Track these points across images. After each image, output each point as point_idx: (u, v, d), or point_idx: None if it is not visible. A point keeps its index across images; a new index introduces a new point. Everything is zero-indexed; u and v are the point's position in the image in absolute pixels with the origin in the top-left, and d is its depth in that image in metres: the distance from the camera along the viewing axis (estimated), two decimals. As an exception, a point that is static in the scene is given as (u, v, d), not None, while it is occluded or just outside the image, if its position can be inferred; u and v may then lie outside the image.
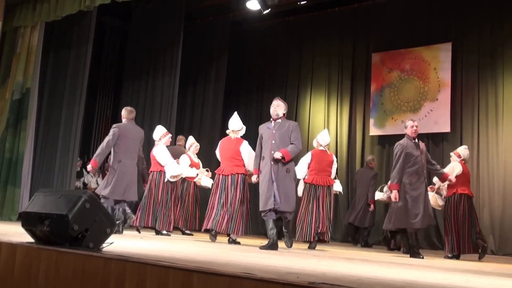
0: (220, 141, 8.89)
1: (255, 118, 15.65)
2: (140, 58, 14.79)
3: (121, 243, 5.39)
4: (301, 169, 9.29)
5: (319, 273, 3.67)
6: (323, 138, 9.49)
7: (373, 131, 13.80)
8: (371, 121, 13.81)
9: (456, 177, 8.90)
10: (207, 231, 8.68)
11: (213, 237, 8.48)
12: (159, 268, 3.30)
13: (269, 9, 12.46)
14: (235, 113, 9.07)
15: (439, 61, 12.94)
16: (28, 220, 4.49)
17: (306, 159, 9.38)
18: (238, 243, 8.32)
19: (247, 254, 5.50)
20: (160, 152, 9.58)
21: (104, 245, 4.36)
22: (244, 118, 15.87)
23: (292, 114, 15.17)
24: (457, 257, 8.81)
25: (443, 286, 3.57)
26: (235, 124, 8.80)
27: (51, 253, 3.94)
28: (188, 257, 4.35)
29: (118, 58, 16.01)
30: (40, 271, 3.93)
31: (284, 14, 15.27)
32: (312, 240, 8.87)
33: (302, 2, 13.59)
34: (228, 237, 8.50)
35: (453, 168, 9.05)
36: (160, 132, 9.95)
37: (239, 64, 16.18)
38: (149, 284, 3.29)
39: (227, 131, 8.80)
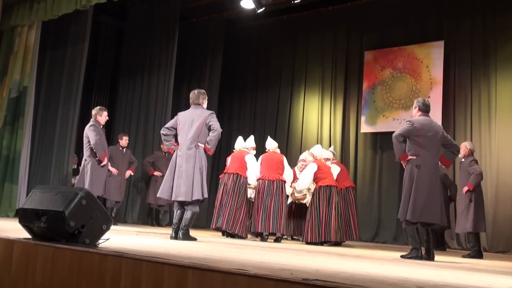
0: (261, 156, 10.04)
1: (249, 116, 15.73)
2: (136, 56, 14.81)
3: (117, 240, 5.43)
4: (309, 178, 9.86)
5: (312, 270, 3.69)
6: (320, 152, 10.35)
7: (364, 128, 13.82)
8: (363, 118, 13.83)
9: (321, 173, 9.85)
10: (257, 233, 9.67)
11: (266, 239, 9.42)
12: (155, 264, 3.33)
13: (263, 8, 12.48)
14: (269, 137, 10.67)
15: (432, 58, 12.96)
16: (25, 217, 4.52)
17: (313, 169, 9.85)
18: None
19: (241, 251, 5.53)
20: (253, 162, 9.85)
21: (100, 241, 4.40)
22: (238, 116, 15.99)
23: (286, 111, 15.22)
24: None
25: (435, 283, 3.60)
26: (274, 144, 10.15)
27: (48, 249, 3.97)
28: (183, 253, 4.39)
29: (113, 56, 16.01)
30: (37, 267, 3.96)
31: (278, 13, 15.29)
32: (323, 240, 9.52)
33: (295, 1, 13.55)
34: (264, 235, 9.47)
35: (309, 169, 9.94)
36: (251, 144, 10.29)
37: (234, 63, 16.23)
38: (145, 280, 3.33)
39: (268, 149, 10.09)
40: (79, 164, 13.96)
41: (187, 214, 7.53)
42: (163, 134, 7.98)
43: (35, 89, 11.92)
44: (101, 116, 9.87)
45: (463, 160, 9.62)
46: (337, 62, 14.57)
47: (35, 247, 4.07)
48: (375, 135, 13.69)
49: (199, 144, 7.61)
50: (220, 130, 7.74)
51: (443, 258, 7.86)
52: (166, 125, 8.03)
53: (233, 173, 9.57)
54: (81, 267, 3.70)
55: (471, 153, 9.59)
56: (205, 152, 7.72)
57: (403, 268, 4.84)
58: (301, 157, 10.95)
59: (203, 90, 8.12)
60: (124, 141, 12.11)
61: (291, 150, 14.71)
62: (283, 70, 15.55)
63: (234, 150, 10.21)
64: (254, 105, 15.74)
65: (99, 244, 4.35)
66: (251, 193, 9.92)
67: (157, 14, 14.57)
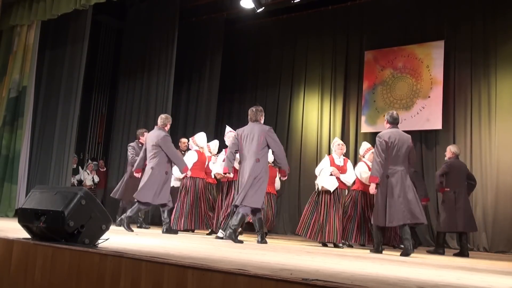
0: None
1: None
2: (135, 56, 14.80)
3: (117, 239, 5.41)
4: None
5: (312, 270, 3.67)
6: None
7: (365, 128, 13.84)
8: (363, 118, 13.87)
9: (194, 163, 10.04)
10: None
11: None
12: (154, 264, 3.31)
13: (263, 8, 12.47)
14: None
15: (432, 58, 12.98)
16: (25, 217, 4.50)
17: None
18: None
19: (241, 251, 5.51)
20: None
21: (99, 241, 4.38)
22: (238, 116, 15.97)
23: (286, 111, 15.21)
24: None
25: (436, 282, 3.58)
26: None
27: (47, 249, 3.96)
28: (183, 253, 4.37)
29: (113, 56, 16.04)
30: (36, 267, 3.95)
31: (278, 12, 15.30)
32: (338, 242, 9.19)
33: (295, 1, 13.54)
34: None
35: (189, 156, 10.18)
36: (364, 147, 10.39)
37: (233, 62, 16.22)
38: (144, 280, 3.31)
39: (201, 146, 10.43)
40: (78, 164, 13.94)
41: (237, 215, 7.84)
42: (232, 153, 8.27)
43: (35, 88, 11.92)
44: (170, 123, 9.76)
45: None
46: (337, 62, 14.57)
47: (34, 247, 4.05)
48: (375, 135, 13.60)
49: (259, 158, 7.95)
50: (279, 147, 8.07)
51: (443, 258, 7.86)
52: (232, 149, 8.29)
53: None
54: (81, 267, 3.69)
55: (455, 156, 9.65)
56: (281, 174, 8.47)
57: (404, 268, 4.82)
58: (366, 146, 10.50)
59: (261, 107, 8.62)
60: (145, 137, 11.08)
61: (291, 150, 14.69)
62: (283, 69, 15.55)
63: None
64: (254, 105, 15.69)
65: (98, 244, 4.33)
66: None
67: (157, 14, 14.56)
